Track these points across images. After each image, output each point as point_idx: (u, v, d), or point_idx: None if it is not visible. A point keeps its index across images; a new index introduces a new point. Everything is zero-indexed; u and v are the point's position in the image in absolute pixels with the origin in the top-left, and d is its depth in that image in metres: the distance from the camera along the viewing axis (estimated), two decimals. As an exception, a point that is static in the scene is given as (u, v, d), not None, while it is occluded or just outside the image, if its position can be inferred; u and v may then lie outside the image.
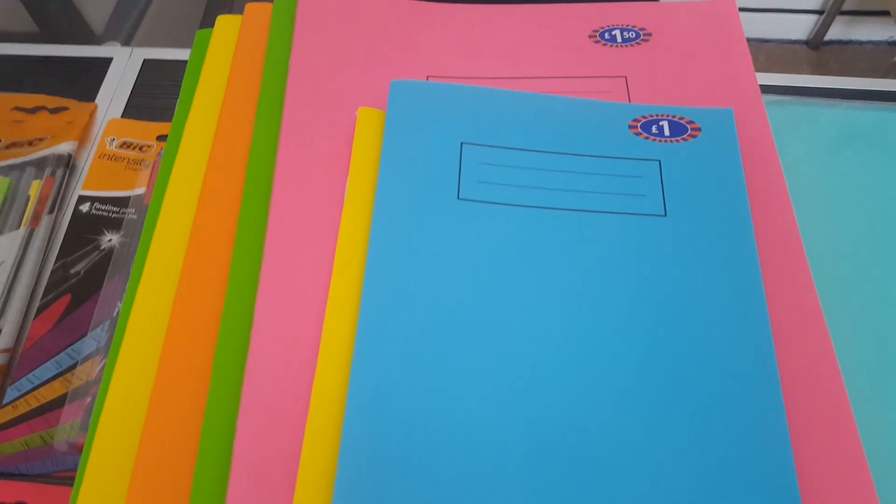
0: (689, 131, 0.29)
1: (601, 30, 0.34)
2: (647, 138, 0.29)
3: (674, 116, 0.29)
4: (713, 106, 0.31)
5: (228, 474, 0.23)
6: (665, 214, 0.27)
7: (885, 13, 1.44)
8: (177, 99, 0.33)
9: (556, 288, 0.25)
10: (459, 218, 0.26)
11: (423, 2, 0.35)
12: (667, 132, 0.29)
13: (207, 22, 0.92)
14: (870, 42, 1.61)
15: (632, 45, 0.33)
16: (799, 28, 1.59)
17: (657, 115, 0.29)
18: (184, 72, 0.34)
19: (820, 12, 1.56)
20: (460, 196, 0.27)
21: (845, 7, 1.51)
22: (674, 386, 0.23)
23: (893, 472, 0.26)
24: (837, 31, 1.57)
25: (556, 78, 0.32)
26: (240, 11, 0.36)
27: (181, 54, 0.43)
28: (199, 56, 0.34)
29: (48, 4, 0.70)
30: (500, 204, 0.27)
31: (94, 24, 0.76)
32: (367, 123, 0.30)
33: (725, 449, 0.22)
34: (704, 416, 0.23)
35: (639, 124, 0.29)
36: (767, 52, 1.55)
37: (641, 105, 0.30)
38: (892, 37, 1.59)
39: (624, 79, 0.32)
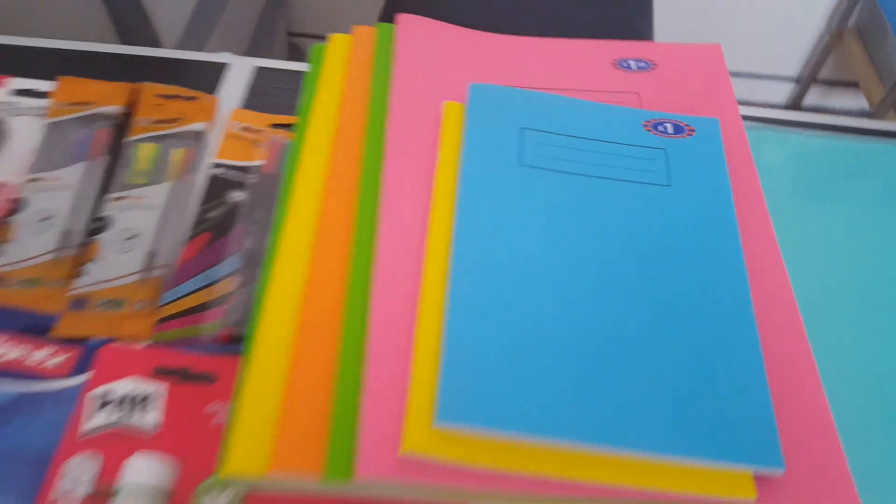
0: (686, 131, 0.40)
1: (621, 59, 0.45)
2: (656, 134, 0.40)
3: (676, 121, 0.40)
4: (703, 115, 0.42)
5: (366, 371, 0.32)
6: (669, 185, 0.37)
7: (857, 84, 1.59)
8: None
9: (591, 230, 0.36)
10: (522, 178, 0.37)
11: (492, 34, 0.46)
12: (670, 130, 0.40)
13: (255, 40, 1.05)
14: (844, 110, 1.76)
15: (643, 72, 0.45)
16: (778, 93, 1.74)
17: (664, 119, 0.40)
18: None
19: (797, 80, 1.71)
20: (522, 164, 0.38)
21: (820, 76, 1.66)
22: (671, 296, 0.34)
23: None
24: (813, 98, 1.72)
25: (588, 91, 0.43)
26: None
27: (285, 65, 0.54)
28: (317, 62, 0.45)
29: (129, 18, 0.82)
30: (550, 170, 0.37)
31: (165, 38, 0.88)
32: (452, 114, 0.40)
33: (705, 344, 0.32)
34: (688, 312, 0.33)
35: (650, 124, 0.40)
36: (749, 112, 1.69)
37: (652, 111, 0.41)
38: (862, 107, 1.74)
39: (637, 94, 0.43)
